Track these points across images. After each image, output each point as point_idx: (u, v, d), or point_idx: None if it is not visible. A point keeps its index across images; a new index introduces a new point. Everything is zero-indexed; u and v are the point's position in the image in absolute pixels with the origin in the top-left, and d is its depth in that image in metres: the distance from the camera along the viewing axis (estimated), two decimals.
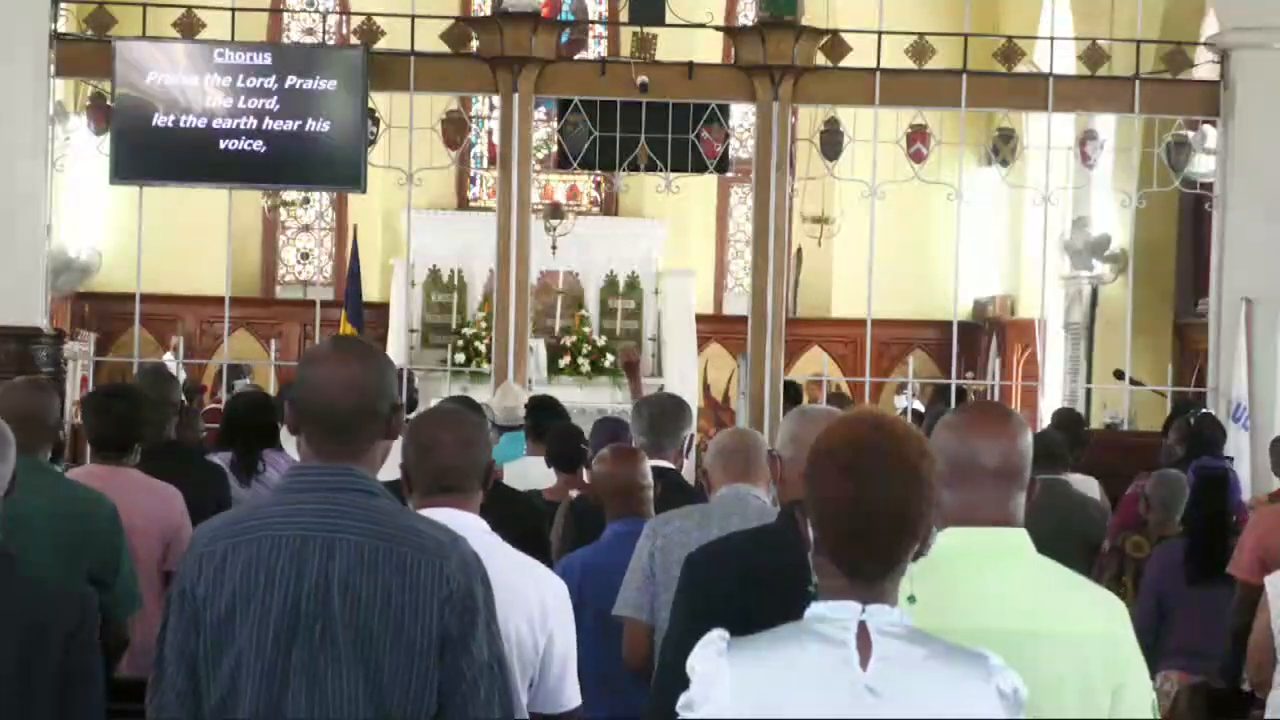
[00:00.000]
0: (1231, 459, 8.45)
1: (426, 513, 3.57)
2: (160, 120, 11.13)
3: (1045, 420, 13.15)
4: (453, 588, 2.94)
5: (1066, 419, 9.47)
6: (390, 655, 2.90)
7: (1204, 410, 10.04)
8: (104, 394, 6.15)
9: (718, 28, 12.87)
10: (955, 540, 2.93)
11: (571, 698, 3.71)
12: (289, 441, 7.62)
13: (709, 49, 13.84)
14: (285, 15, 19.11)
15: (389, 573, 2.92)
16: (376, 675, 2.90)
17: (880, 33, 11.58)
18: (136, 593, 5.08)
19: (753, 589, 3.72)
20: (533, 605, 3.61)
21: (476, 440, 3.69)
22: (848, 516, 2.51)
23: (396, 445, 3.19)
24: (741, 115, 15.67)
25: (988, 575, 2.92)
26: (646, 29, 11.88)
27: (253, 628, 2.91)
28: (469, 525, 3.58)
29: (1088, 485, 8.26)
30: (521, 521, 5.43)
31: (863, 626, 2.48)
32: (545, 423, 7.55)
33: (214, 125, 11.17)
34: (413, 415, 12.95)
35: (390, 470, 4.61)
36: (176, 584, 3.01)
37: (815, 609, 2.52)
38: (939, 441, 2.99)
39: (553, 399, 8.32)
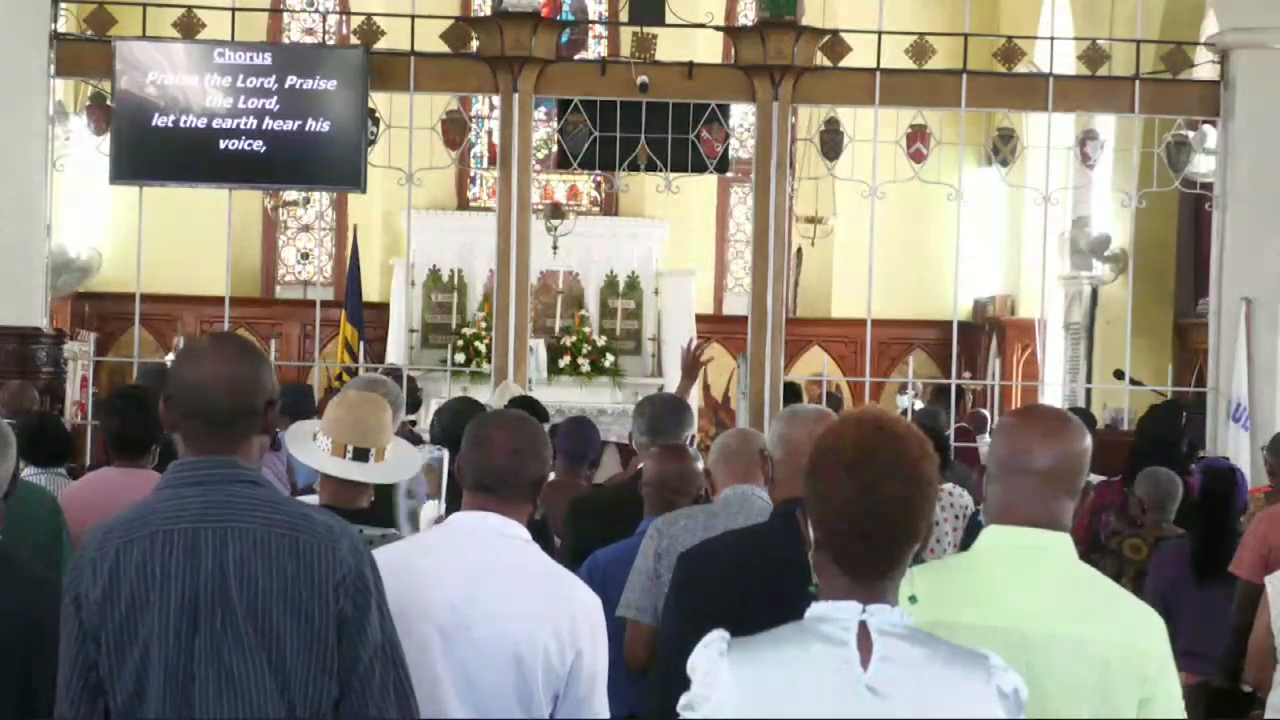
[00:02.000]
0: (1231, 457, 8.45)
1: (461, 515, 3.56)
2: (160, 120, 11.13)
3: None
4: (345, 570, 2.98)
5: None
6: (292, 639, 2.93)
7: (1166, 402, 10.02)
8: (122, 395, 6.14)
9: (718, 28, 12.87)
10: (995, 538, 2.95)
11: (598, 715, 3.62)
12: (291, 441, 7.59)
13: (709, 49, 13.84)
14: (285, 15, 19.10)
15: (284, 558, 2.95)
16: (280, 659, 2.93)
17: (880, 33, 11.58)
18: None
19: (745, 587, 3.71)
20: (561, 619, 3.54)
21: (528, 450, 3.62)
22: (849, 517, 2.51)
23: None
24: (741, 115, 15.68)
25: (1018, 574, 2.92)
26: (646, 29, 11.88)
27: (153, 624, 2.93)
28: (506, 530, 3.56)
29: None
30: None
31: (863, 626, 2.48)
32: None
33: (214, 125, 11.17)
34: (414, 415, 12.83)
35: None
36: (68, 592, 3.01)
37: (816, 609, 2.52)
38: (994, 442, 3.01)
39: (533, 399, 8.28)
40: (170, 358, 14.66)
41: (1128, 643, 2.91)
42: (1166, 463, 7.59)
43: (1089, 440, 3.04)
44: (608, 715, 3.68)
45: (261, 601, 2.93)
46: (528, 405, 7.80)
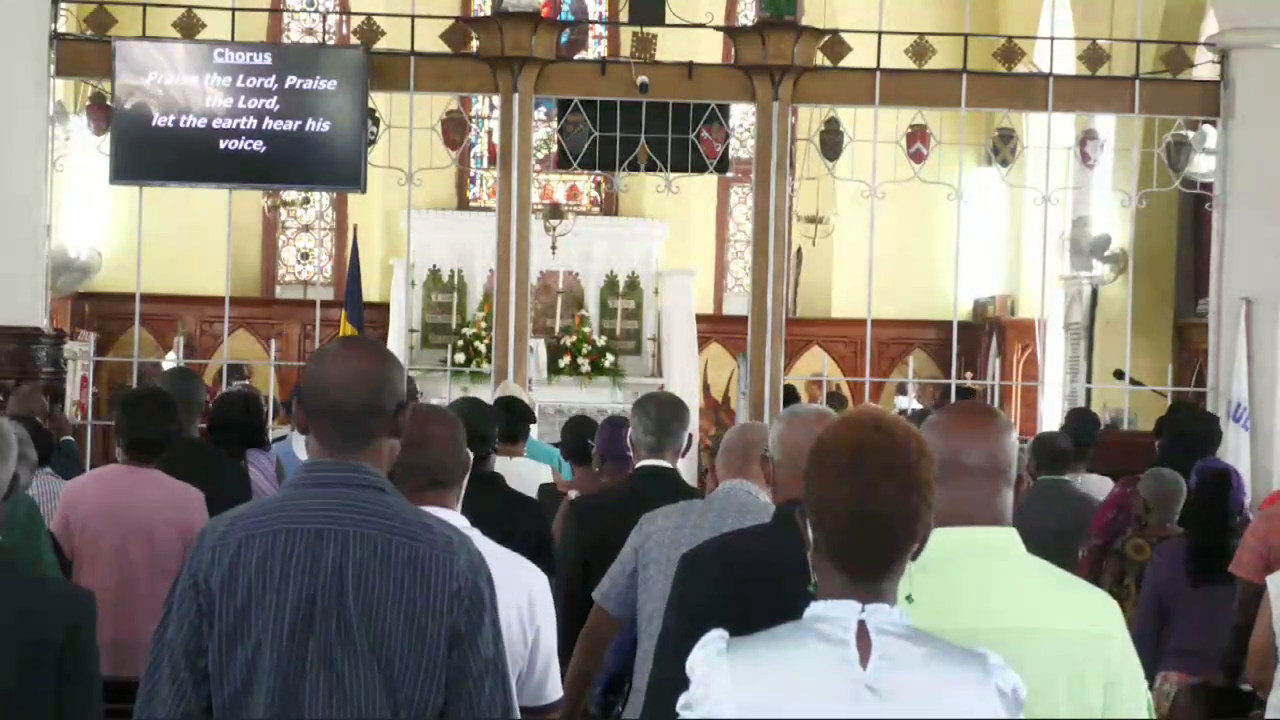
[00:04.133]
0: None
1: None
2: (160, 120, 11.14)
3: (1044, 420, 13.18)
4: (461, 583, 2.98)
5: (1079, 419, 9.47)
6: (402, 648, 2.94)
7: (1190, 405, 10.01)
8: (142, 395, 6.14)
9: (718, 28, 12.87)
10: (944, 540, 2.93)
11: (554, 690, 3.78)
12: (295, 440, 7.61)
13: (709, 49, 13.83)
14: (285, 15, 19.10)
15: (401, 567, 2.95)
16: (389, 668, 2.93)
17: (880, 33, 11.59)
18: None
19: (749, 588, 3.73)
20: (522, 600, 3.68)
21: (461, 437, 3.75)
22: (848, 517, 2.51)
23: None
24: (741, 115, 15.67)
25: (978, 574, 2.91)
26: (646, 29, 11.89)
27: (268, 621, 2.93)
28: (458, 523, 3.60)
29: (1102, 485, 8.27)
30: (530, 527, 5.43)
31: (862, 625, 2.48)
32: (515, 426, 7.49)
33: (214, 125, 11.18)
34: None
35: None
36: (186, 577, 3.00)
37: (814, 608, 2.52)
38: None
39: (516, 398, 8.25)
40: (171, 357, 14.67)
41: (1089, 629, 2.91)
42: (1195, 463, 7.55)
43: (1014, 433, 3.02)
44: (561, 693, 3.83)
45: (376, 609, 2.93)
46: (511, 405, 7.81)
